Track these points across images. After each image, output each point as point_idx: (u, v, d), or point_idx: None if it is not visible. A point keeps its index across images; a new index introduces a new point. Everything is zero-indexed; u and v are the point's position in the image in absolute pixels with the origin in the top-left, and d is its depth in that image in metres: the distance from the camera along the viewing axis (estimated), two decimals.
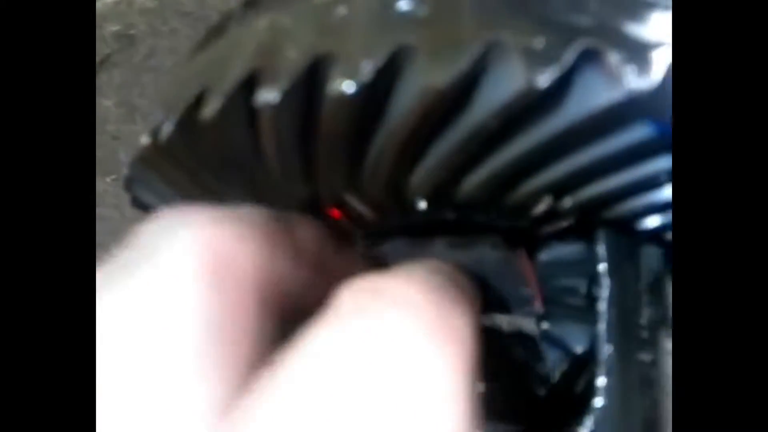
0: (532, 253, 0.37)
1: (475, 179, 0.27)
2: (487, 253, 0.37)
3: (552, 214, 0.30)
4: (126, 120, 0.83)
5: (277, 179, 0.30)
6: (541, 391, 0.33)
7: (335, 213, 0.39)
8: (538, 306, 0.36)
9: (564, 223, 0.32)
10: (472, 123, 0.24)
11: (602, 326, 0.31)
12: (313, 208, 0.34)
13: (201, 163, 0.29)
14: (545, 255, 0.36)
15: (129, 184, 0.35)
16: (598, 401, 0.29)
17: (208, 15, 0.82)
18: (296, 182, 0.29)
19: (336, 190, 0.29)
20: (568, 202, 0.28)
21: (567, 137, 0.23)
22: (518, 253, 0.37)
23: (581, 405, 0.30)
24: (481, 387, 0.32)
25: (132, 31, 0.83)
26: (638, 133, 0.24)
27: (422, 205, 0.29)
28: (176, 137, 0.27)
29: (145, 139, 0.30)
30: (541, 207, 0.29)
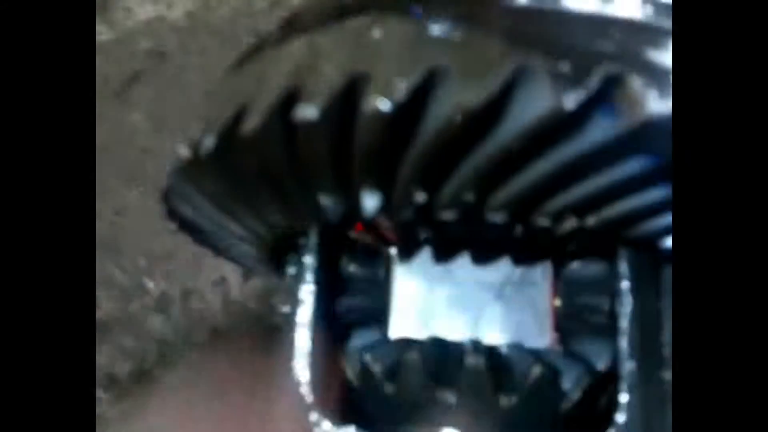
0: (557, 271, 0.37)
1: (501, 197, 0.28)
2: (509, 268, 0.38)
3: (576, 233, 0.31)
4: (155, 134, 0.85)
5: (310, 194, 0.31)
6: (564, 408, 0.33)
7: (361, 228, 0.40)
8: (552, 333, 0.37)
9: (587, 242, 0.32)
10: (500, 142, 0.25)
11: (624, 343, 0.31)
12: (343, 224, 0.35)
13: (238, 176, 0.31)
14: (568, 273, 0.37)
15: (166, 195, 0.36)
16: (620, 417, 0.30)
17: (239, 34, 0.84)
18: (329, 197, 0.31)
19: (366, 200, 0.30)
20: (591, 221, 0.29)
21: (590, 157, 0.24)
22: (542, 269, 0.38)
23: (604, 421, 0.31)
24: (504, 401, 0.33)
25: (163, 48, 0.85)
26: (658, 155, 0.25)
27: (449, 216, 0.30)
28: (216, 151, 0.29)
29: (184, 152, 0.31)
30: (566, 226, 0.30)
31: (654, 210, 0.28)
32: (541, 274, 0.38)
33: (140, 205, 0.80)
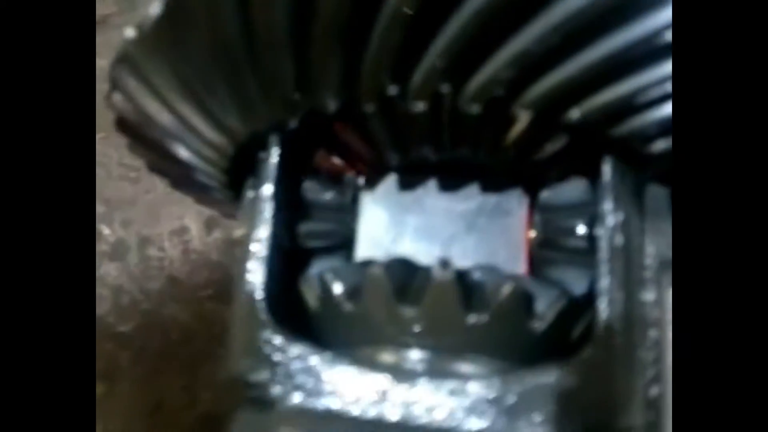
0: (532, 200, 0.35)
1: (476, 84, 0.25)
2: (482, 198, 0.36)
3: (558, 135, 0.28)
4: None
5: (267, 84, 0.29)
6: (536, 329, 0.31)
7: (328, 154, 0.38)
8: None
9: (569, 151, 0.30)
10: (471, 15, 0.22)
11: (604, 259, 0.29)
12: (303, 130, 0.32)
13: (188, 58, 0.28)
14: (546, 196, 0.34)
15: (111, 95, 0.33)
16: (600, 331, 0.27)
17: None
18: (288, 86, 0.28)
19: (330, 90, 0.28)
20: (575, 114, 0.26)
21: (571, 30, 0.22)
22: (516, 194, 0.35)
23: (581, 346, 0.29)
24: (472, 318, 0.31)
25: None
26: (640, 28, 0.22)
27: (420, 107, 0.27)
28: (164, 22, 0.26)
29: (130, 33, 0.28)
30: (548, 122, 0.27)
31: (636, 102, 0.25)
32: (517, 203, 0.35)
33: (100, 152, 0.76)
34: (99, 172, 0.74)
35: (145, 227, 0.63)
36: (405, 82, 0.27)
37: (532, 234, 0.35)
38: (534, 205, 0.35)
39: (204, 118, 0.33)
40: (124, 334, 0.59)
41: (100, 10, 0.82)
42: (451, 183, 0.37)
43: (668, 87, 0.24)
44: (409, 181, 0.37)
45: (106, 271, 0.61)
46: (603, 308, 0.28)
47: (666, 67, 0.24)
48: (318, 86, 0.27)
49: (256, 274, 0.32)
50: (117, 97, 0.34)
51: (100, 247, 0.62)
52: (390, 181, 0.37)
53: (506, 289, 0.30)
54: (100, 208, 0.66)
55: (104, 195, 0.67)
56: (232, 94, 0.30)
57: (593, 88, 0.25)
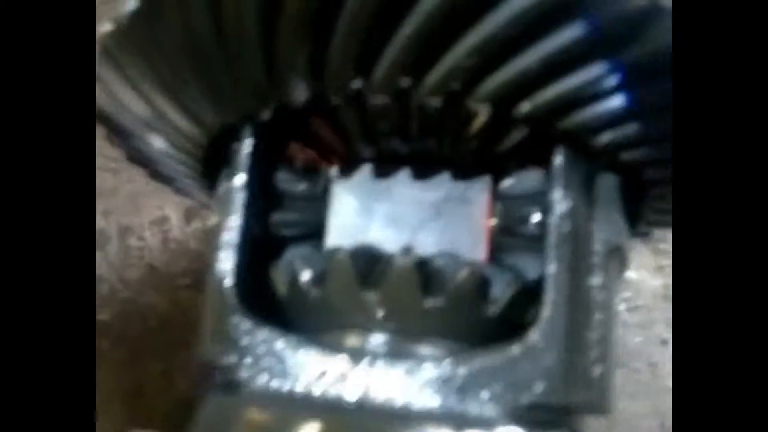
0: (494, 188, 0.37)
1: (434, 78, 0.27)
2: (448, 186, 0.37)
3: (510, 127, 0.30)
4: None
5: (237, 77, 0.30)
6: (491, 313, 0.33)
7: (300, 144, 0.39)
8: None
9: (523, 141, 0.32)
10: (428, 12, 0.24)
11: (552, 245, 0.31)
12: (275, 121, 0.33)
13: (161, 52, 0.29)
14: (506, 185, 0.36)
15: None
16: (545, 312, 0.29)
17: None
18: (258, 79, 0.29)
19: (298, 83, 0.29)
20: (525, 106, 0.28)
21: (522, 26, 0.24)
22: (479, 184, 0.37)
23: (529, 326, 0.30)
24: (430, 302, 0.33)
25: None
26: (579, 28, 0.24)
27: (384, 99, 0.29)
28: (138, 17, 0.27)
29: (106, 27, 0.30)
30: (501, 114, 0.29)
31: (582, 96, 0.27)
32: (479, 191, 0.37)
33: None
34: None
35: (125, 217, 0.64)
36: (368, 76, 0.29)
37: (493, 222, 0.37)
38: (495, 193, 0.37)
39: (178, 110, 0.34)
40: (104, 322, 0.60)
41: None
42: (420, 173, 0.38)
43: (612, 81, 0.26)
44: (380, 172, 0.38)
45: None
46: (549, 292, 0.30)
47: (608, 63, 0.26)
48: (286, 79, 0.29)
49: (226, 262, 0.33)
50: (96, 89, 0.35)
51: None
52: (362, 171, 0.38)
53: (462, 274, 0.32)
54: None
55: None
56: (204, 86, 0.31)
57: (542, 83, 0.27)
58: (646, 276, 0.60)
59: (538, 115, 0.28)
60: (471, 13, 0.24)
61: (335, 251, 0.34)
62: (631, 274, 0.57)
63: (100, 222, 0.65)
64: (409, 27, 0.25)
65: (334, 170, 0.39)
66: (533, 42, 0.25)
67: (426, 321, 0.32)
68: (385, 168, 0.38)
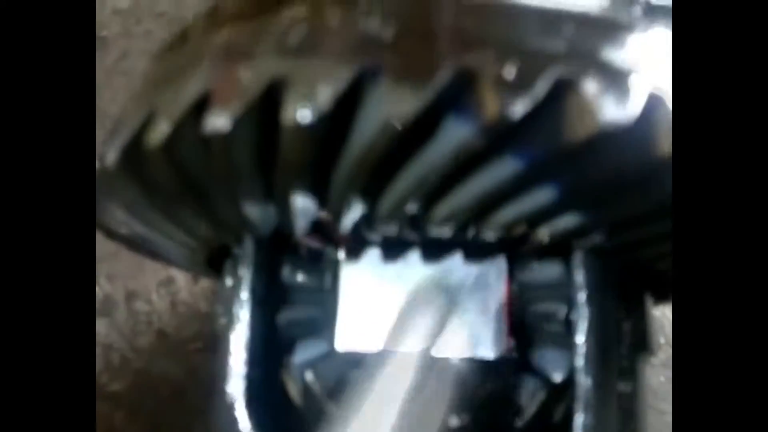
0: (511, 273, 0.35)
1: (444, 210, 0.25)
2: (463, 270, 0.36)
3: (528, 237, 0.28)
4: (97, 126, 0.80)
5: (237, 207, 0.28)
6: (518, 423, 0.31)
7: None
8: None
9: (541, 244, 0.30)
10: (439, 154, 0.22)
11: (581, 358, 0.29)
12: (277, 235, 0.32)
13: (152, 188, 0.28)
14: (522, 274, 0.34)
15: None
16: (578, 420, 0.28)
17: (184, 16, 0.79)
18: (258, 210, 0.28)
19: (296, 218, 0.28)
20: (543, 232, 0.26)
21: (539, 168, 0.22)
22: (494, 268, 0.35)
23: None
24: (454, 421, 0.31)
25: (104, 33, 0.80)
26: (615, 162, 0.22)
27: (393, 230, 0.27)
28: (121, 164, 0.25)
29: (97, 164, 0.28)
30: (517, 231, 0.28)
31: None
32: (496, 276, 0.35)
33: None
34: None
35: (130, 280, 0.63)
36: (373, 206, 0.27)
37: (512, 309, 0.35)
38: (513, 280, 0.35)
39: (175, 226, 0.33)
40: (118, 394, 0.59)
41: None
42: (432, 256, 0.36)
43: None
44: (390, 254, 0.37)
45: (96, 328, 0.61)
46: (579, 408, 0.28)
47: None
48: (284, 214, 0.27)
49: (236, 384, 0.32)
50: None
51: None
52: (371, 254, 0.37)
53: (487, 388, 0.31)
54: None
55: None
56: (200, 213, 0.30)
57: (559, 215, 0.25)
58: (670, 314, 0.58)
59: (556, 238, 0.26)
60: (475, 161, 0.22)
61: (349, 365, 0.33)
62: (654, 311, 0.56)
63: (105, 287, 0.63)
64: (417, 167, 0.24)
65: (341, 253, 0.37)
66: (544, 182, 0.23)
67: None
68: (395, 250, 0.37)
